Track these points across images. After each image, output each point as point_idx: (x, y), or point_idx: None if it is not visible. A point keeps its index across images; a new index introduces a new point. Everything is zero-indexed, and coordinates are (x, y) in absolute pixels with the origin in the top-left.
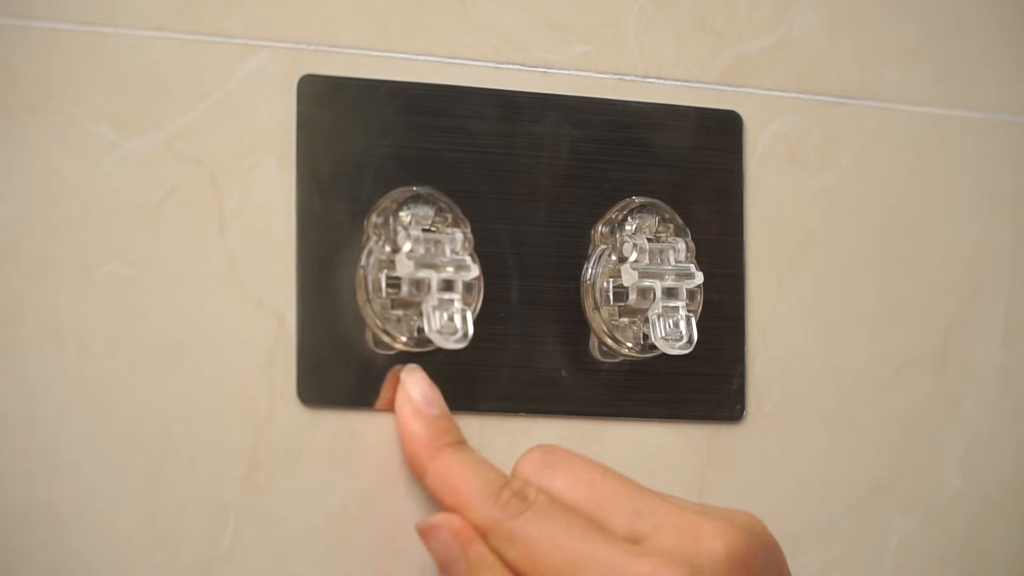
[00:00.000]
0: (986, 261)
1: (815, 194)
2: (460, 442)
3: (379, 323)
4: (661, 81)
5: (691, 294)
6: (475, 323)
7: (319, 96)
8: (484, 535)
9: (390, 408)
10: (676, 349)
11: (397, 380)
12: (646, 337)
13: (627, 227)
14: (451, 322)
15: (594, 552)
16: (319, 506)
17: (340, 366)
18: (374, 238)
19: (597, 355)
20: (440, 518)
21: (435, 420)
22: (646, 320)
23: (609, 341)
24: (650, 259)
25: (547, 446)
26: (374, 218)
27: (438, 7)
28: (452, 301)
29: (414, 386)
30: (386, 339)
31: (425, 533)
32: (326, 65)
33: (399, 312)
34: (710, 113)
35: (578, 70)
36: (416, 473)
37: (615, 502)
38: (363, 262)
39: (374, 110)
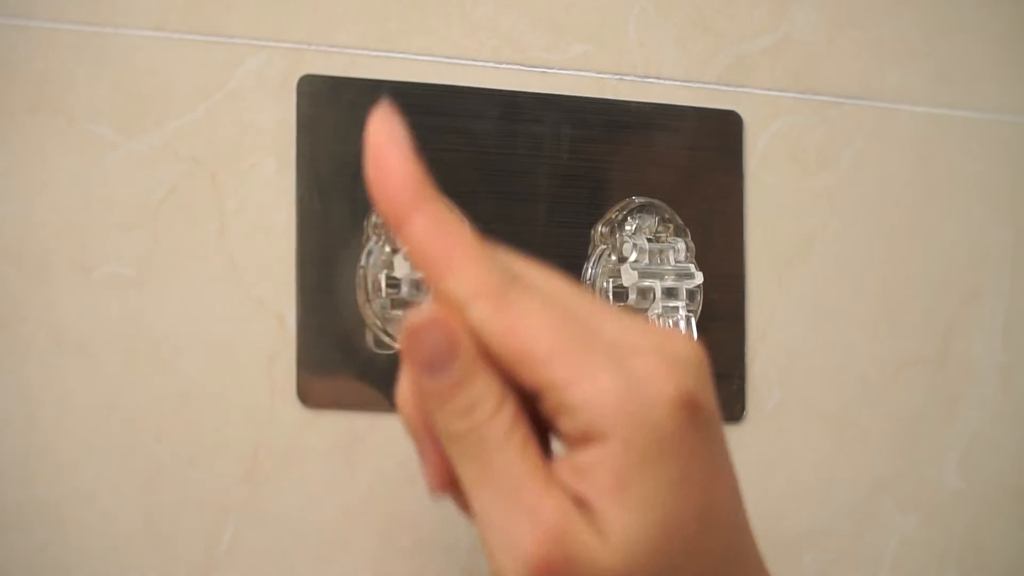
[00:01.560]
0: (986, 261)
1: (815, 194)
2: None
3: (379, 323)
4: (661, 81)
5: (691, 294)
6: None
7: (319, 96)
8: (467, 304)
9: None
10: None
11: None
12: None
13: (627, 227)
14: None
15: (582, 336)
16: (319, 506)
17: (340, 366)
18: (374, 238)
19: None
20: (431, 310)
21: (421, 171)
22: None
23: None
24: (650, 259)
25: None
26: (374, 218)
27: (438, 7)
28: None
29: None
30: (386, 339)
31: (415, 332)
32: (326, 65)
33: (399, 312)
34: (710, 113)
35: (578, 70)
36: (394, 216)
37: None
38: (363, 262)
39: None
